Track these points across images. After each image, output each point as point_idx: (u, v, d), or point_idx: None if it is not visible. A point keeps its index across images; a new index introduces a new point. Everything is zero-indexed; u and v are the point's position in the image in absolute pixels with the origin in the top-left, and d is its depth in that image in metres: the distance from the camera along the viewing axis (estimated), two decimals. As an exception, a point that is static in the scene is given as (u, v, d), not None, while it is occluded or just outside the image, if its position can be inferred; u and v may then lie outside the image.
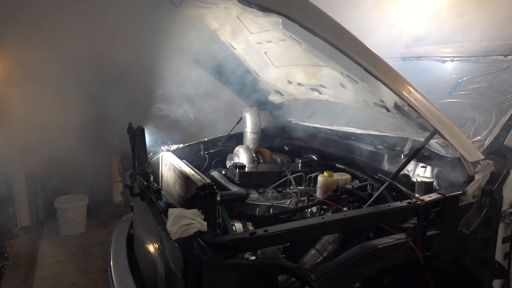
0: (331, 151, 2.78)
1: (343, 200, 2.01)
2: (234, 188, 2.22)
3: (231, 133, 3.33)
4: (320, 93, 2.80)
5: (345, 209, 1.90)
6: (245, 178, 2.51)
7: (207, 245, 1.37)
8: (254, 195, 2.38)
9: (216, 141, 3.23)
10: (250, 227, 2.03)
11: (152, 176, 2.07)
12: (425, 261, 1.70)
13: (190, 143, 3.05)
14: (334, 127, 2.90)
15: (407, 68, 2.97)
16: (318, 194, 2.24)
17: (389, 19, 3.20)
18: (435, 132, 1.86)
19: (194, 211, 1.52)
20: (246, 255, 1.72)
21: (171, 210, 1.53)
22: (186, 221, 1.42)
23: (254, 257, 1.70)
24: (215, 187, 1.80)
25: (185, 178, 2.06)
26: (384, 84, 1.65)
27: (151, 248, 1.89)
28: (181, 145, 2.97)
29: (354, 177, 2.37)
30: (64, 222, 4.73)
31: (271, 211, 2.23)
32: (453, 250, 1.84)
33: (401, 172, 2.02)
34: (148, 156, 2.43)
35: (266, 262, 1.55)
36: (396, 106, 1.91)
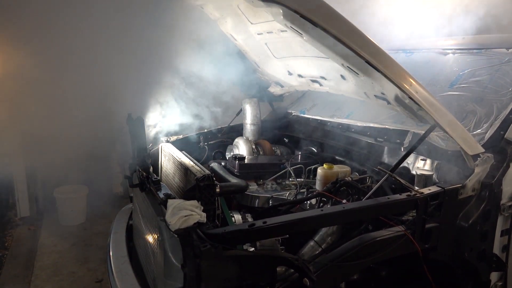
0: (331, 143, 2.77)
1: (342, 192, 2.01)
2: (234, 180, 2.22)
3: (230, 124, 3.33)
4: (320, 85, 2.79)
5: (344, 201, 1.91)
6: (245, 169, 2.51)
7: (206, 236, 1.37)
8: (253, 186, 2.39)
9: (216, 133, 3.23)
10: (249, 219, 2.03)
11: (151, 167, 2.07)
12: (423, 253, 1.70)
13: (190, 134, 3.04)
14: (334, 119, 2.89)
15: (409, 60, 2.95)
16: (318, 186, 2.24)
17: (391, 10, 3.17)
18: (435, 125, 1.86)
19: (194, 202, 1.52)
20: (245, 247, 1.73)
21: (170, 201, 1.52)
22: (185, 212, 1.42)
23: (253, 249, 1.70)
24: (214, 178, 1.80)
25: (184, 169, 2.06)
26: (385, 76, 1.64)
27: (151, 238, 1.89)
28: (181, 136, 2.97)
29: (353, 169, 2.36)
30: (64, 212, 4.74)
31: (271, 203, 2.23)
32: (452, 243, 1.85)
33: (401, 165, 2.02)
34: (147, 147, 2.43)
35: (265, 254, 1.55)
36: (397, 99, 1.90)
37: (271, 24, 2.32)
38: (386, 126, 2.44)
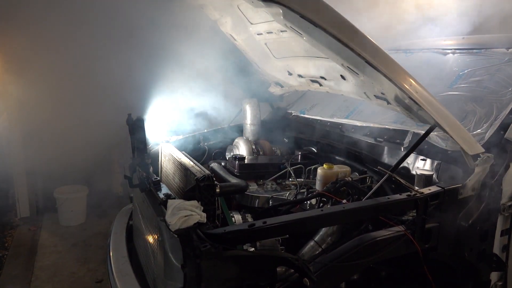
0: (330, 143, 2.77)
1: (343, 192, 2.01)
2: (234, 180, 2.22)
3: (230, 124, 3.32)
4: (320, 85, 2.79)
5: (344, 201, 1.91)
6: (245, 170, 2.51)
7: (206, 237, 1.37)
8: (253, 187, 2.39)
9: (216, 133, 3.23)
10: (249, 219, 2.03)
11: (151, 167, 2.07)
12: (423, 253, 1.70)
13: (190, 135, 3.04)
14: (334, 119, 2.89)
15: (408, 60, 2.95)
16: (318, 186, 2.24)
17: (392, 9, 3.17)
18: (435, 125, 1.86)
19: (194, 202, 1.52)
20: (245, 247, 1.73)
21: (170, 202, 1.52)
22: (185, 213, 1.42)
23: (253, 249, 1.70)
24: (214, 178, 1.80)
25: (184, 170, 2.06)
26: (385, 76, 1.63)
27: (151, 239, 1.89)
28: (181, 136, 2.97)
29: (353, 169, 2.36)
30: (64, 213, 4.74)
31: (271, 203, 2.23)
32: (452, 242, 1.85)
33: (401, 165, 2.02)
34: (147, 147, 2.43)
35: (265, 254, 1.55)
36: (397, 99, 1.90)
37: (271, 24, 2.32)
38: (386, 126, 2.44)
